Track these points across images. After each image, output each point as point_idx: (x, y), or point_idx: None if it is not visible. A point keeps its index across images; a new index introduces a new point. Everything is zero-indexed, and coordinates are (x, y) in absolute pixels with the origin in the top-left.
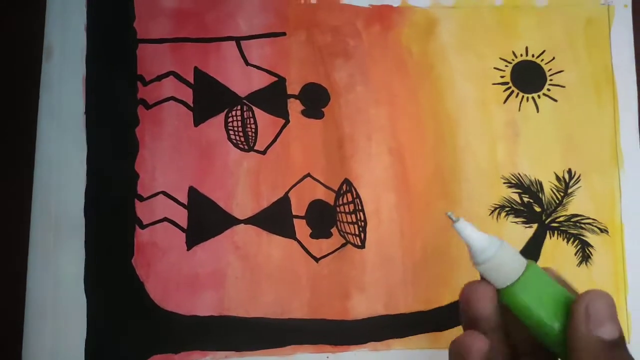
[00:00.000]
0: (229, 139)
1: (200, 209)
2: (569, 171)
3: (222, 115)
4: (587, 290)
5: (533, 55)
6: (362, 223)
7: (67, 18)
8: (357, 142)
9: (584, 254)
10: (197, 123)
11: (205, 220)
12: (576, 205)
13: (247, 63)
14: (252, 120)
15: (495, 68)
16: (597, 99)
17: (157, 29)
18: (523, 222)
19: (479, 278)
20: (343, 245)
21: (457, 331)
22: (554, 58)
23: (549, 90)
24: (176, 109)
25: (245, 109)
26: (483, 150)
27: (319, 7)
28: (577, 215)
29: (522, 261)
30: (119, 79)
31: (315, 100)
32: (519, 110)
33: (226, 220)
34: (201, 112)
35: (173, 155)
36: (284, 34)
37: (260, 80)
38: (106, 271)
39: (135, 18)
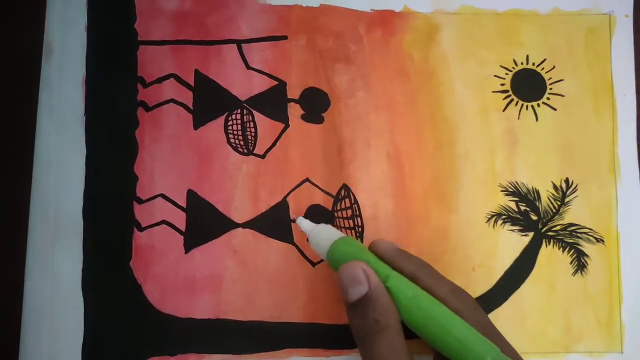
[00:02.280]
0: (229, 142)
1: (199, 212)
2: (567, 180)
3: (222, 119)
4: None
5: (534, 64)
6: (360, 229)
7: (67, 18)
8: (356, 147)
9: (580, 263)
10: (196, 126)
11: (204, 223)
12: (573, 214)
13: (247, 66)
14: (251, 124)
15: (495, 76)
16: (596, 108)
17: (158, 30)
18: (519, 231)
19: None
20: None
21: None
22: (554, 67)
23: (548, 99)
24: (176, 111)
25: (245, 113)
26: (481, 158)
27: (321, 11)
28: (573, 225)
29: (335, 236)
30: (119, 81)
31: (315, 105)
32: (519, 118)
33: (224, 224)
34: (201, 115)
35: (172, 158)
36: (285, 37)
37: (261, 84)
38: (104, 273)
39: (136, 19)
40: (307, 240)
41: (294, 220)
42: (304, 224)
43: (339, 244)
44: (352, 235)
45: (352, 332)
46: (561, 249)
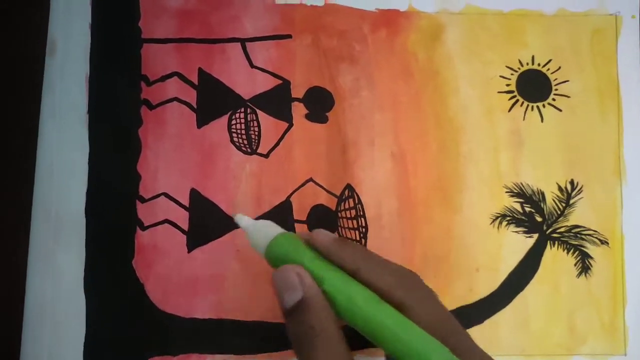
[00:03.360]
0: (232, 141)
1: (202, 211)
2: (572, 182)
3: (225, 118)
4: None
5: (539, 64)
6: (363, 229)
7: (71, 15)
8: (361, 147)
9: (584, 265)
10: (200, 125)
11: (207, 223)
12: (577, 216)
13: (251, 65)
14: (255, 123)
15: (501, 76)
16: (602, 110)
17: (162, 28)
18: (524, 232)
19: (476, 285)
20: None
21: None
22: (560, 67)
23: (554, 99)
24: (179, 110)
25: (249, 112)
26: (486, 159)
27: (326, 10)
28: (578, 226)
29: (273, 233)
30: (123, 79)
31: (320, 104)
32: (524, 119)
33: (227, 224)
34: (205, 114)
35: (175, 157)
36: (289, 36)
37: (265, 83)
38: (106, 272)
39: (140, 17)
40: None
41: (233, 218)
42: (243, 221)
43: (275, 243)
44: (356, 236)
45: (291, 342)
46: (566, 250)
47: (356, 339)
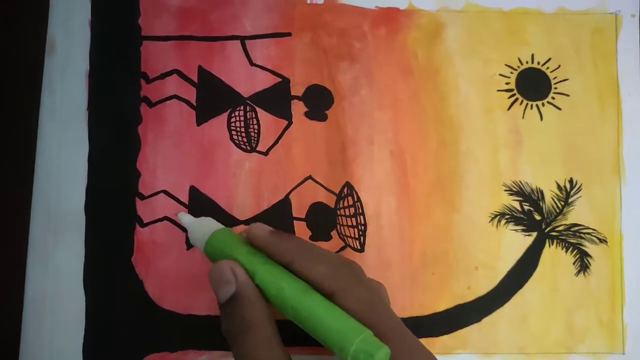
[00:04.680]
0: (232, 139)
1: (201, 208)
2: (571, 180)
3: (225, 115)
4: None
5: (539, 63)
6: (362, 227)
7: (70, 13)
8: (360, 145)
9: (583, 263)
10: (199, 122)
11: None
12: (576, 214)
13: (251, 63)
14: (255, 120)
15: (500, 74)
16: (601, 108)
17: (161, 26)
18: (523, 230)
19: (475, 283)
20: (342, 248)
21: (451, 337)
22: (559, 66)
23: (553, 98)
24: (179, 107)
25: (248, 110)
26: (485, 157)
27: (325, 8)
28: (576, 225)
29: (211, 229)
30: (122, 76)
31: (319, 102)
32: (523, 117)
33: (226, 221)
34: (204, 112)
35: (175, 154)
36: (289, 34)
37: (264, 81)
38: (105, 269)
39: (140, 15)
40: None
41: (177, 217)
42: (184, 219)
43: (213, 239)
44: (355, 233)
45: (224, 335)
46: (564, 249)
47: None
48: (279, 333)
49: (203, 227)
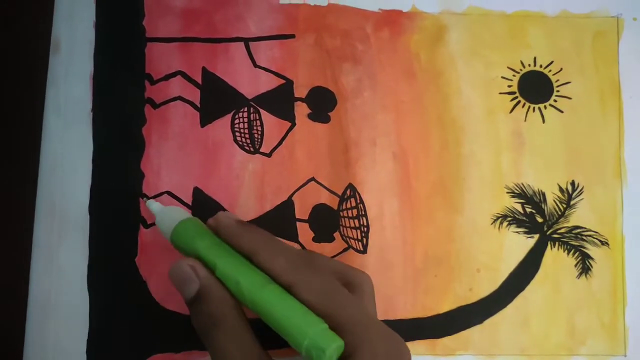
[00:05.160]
0: (235, 140)
1: (205, 210)
2: (572, 183)
3: (228, 117)
4: None
5: (541, 66)
6: (365, 228)
7: (75, 13)
8: (363, 147)
9: (584, 266)
10: (203, 124)
11: None
12: (578, 217)
13: (255, 65)
14: (258, 122)
15: (502, 77)
16: (603, 111)
17: (166, 27)
18: (525, 233)
19: (476, 285)
20: (345, 249)
21: (453, 339)
22: (561, 69)
23: (555, 101)
24: (183, 109)
25: (252, 111)
26: (487, 159)
27: (329, 10)
28: (578, 227)
29: (175, 220)
30: (127, 77)
31: (322, 104)
32: (525, 120)
33: None
34: (208, 113)
35: (179, 156)
36: (292, 36)
37: (268, 83)
38: (109, 269)
39: (144, 16)
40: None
41: (146, 201)
42: (153, 207)
43: (179, 228)
44: (357, 235)
45: (197, 332)
46: (566, 251)
47: None
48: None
49: (170, 215)
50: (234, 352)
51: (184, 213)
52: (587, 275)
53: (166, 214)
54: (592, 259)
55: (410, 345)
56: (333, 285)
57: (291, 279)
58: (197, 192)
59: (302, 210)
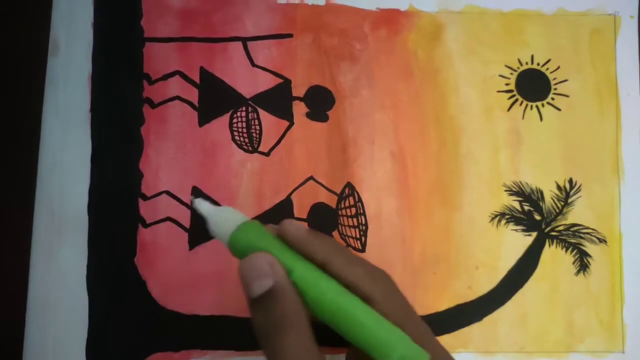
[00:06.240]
0: (234, 140)
1: None
2: (570, 180)
3: (227, 116)
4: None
5: (538, 64)
6: (364, 227)
7: (73, 14)
8: (361, 146)
9: (582, 263)
10: (202, 123)
11: None
12: (576, 214)
13: (253, 64)
14: (256, 121)
15: (500, 75)
16: (600, 109)
17: (164, 27)
18: (523, 230)
19: (475, 283)
20: None
21: (453, 336)
22: (559, 67)
23: (553, 99)
24: (181, 108)
25: (250, 110)
26: (485, 157)
27: (327, 9)
28: (576, 225)
29: (237, 221)
30: (125, 77)
31: (320, 103)
32: (523, 118)
33: None
34: (206, 113)
35: (177, 155)
36: (290, 35)
37: (266, 82)
38: (108, 269)
39: (142, 16)
40: (209, 229)
41: (192, 202)
42: (203, 207)
43: (241, 232)
44: (356, 233)
45: (255, 331)
46: (564, 249)
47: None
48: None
49: (226, 217)
50: (303, 356)
51: (239, 214)
52: (585, 273)
53: (222, 215)
54: (590, 256)
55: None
56: (408, 304)
57: (369, 290)
58: (196, 192)
59: (300, 209)
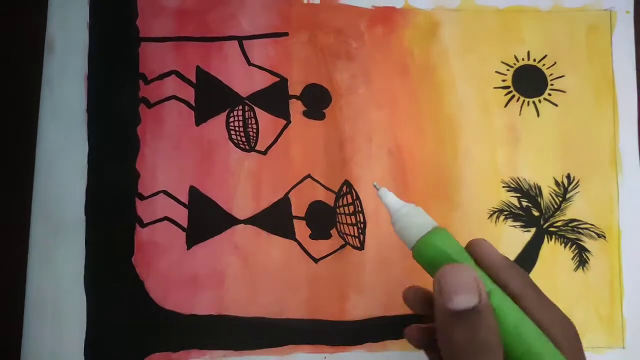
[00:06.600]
0: (230, 138)
1: (201, 208)
2: (568, 176)
3: (223, 115)
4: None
5: (535, 60)
6: (362, 225)
7: (69, 14)
8: (358, 143)
9: (581, 259)
10: (198, 122)
11: (206, 219)
12: (574, 210)
13: (249, 63)
14: (253, 120)
15: (496, 72)
16: (598, 104)
17: (159, 27)
18: (521, 226)
19: None
20: (342, 246)
21: None
22: (555, 63)
23: (549, 95)
24: (178, 108)
25: (246, 109)
26: (483, 154)
27: (322, 7)
28: (575, 220)
29: (430, 224)
30: (121, 77)
31: (317, 101)
32: (520, 114)
33: (226, 220)
34: (203, 112)
35: (174, 155)
36: (286, 34)
37: (262, 81)
38: (106, 269)
39: (138, 16)
40: (392, 222)
41: (375, 187)
42: (390, 200)
43: (434, 238)
44: (354, 231)
45: (445, 343)
46: (563, 244)
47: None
48: None
49: (416, 218)
50: None
51: (428, 217)
52: (584, 268)
53: (411, 215)
54: (588, 251)
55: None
56: (584, 353)
57: (561, 338)
58: (193, 191)
59: (298, 207)
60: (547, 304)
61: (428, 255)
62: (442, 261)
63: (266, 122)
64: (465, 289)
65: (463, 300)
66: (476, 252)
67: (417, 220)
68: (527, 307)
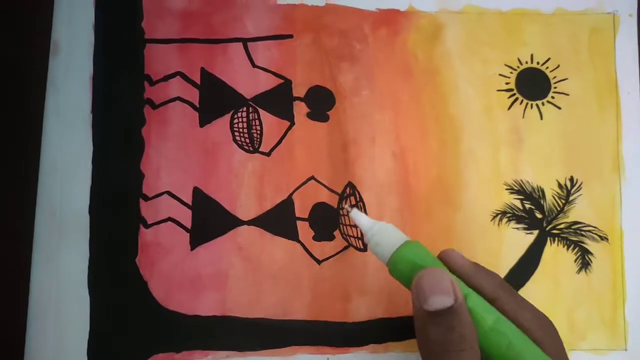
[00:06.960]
0: (234, 140)
1: (205, 209)
2: (571, 178)
3: (227, 117)
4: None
5: (538, 63)
6: None
7: (74, 15)
8: (361, 145)
9: (584, 261)
10: (202, 124)
11: (209, 220)
12: (577, 212)
13: (253, 65)
14: (257, 122)
15: (500, 74)
16: (601, 107)
17: (164, 29)
18: (524, 229)
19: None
20: (345, 248)
21: None
22: (558, 66)
23: (553, 97)
24: (182, 109)
25: (250, 111)
26: (486, 156)
27: (326, 10)
28: (577, 223)
29: (401, 238)
30: (126, 79)
31: (321, 103)
32: (523, 117)
33: (230, 221)
34: (207, 113)
35: (178, 156)
36: (290, 36)
37: (267, 82)
38: (110, 270)
39: (143, 18)
40: (364, 238)
41: (346, 210)
42: (362, 220)
43: (408, 249)
44: (357, 233)
45: (423, 344)
46: (566, 247)
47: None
48: None
49: (388, 233)
50: None
51: (401, 232)
52: (587, 271)
53: (384, 231)
54: (591, 254)
55: (413, 342)
56: (565, 351)
57: (539, 336)
58: (197, 192)
59: (302, 208)
60: (522, 304)
61: (403, 267)
62: (417, 272)
63: (270, 123)
64: (441, 290)
65: (439, 301)
66: (447, 261)
67: (390, 235)
68: (503, 308)
